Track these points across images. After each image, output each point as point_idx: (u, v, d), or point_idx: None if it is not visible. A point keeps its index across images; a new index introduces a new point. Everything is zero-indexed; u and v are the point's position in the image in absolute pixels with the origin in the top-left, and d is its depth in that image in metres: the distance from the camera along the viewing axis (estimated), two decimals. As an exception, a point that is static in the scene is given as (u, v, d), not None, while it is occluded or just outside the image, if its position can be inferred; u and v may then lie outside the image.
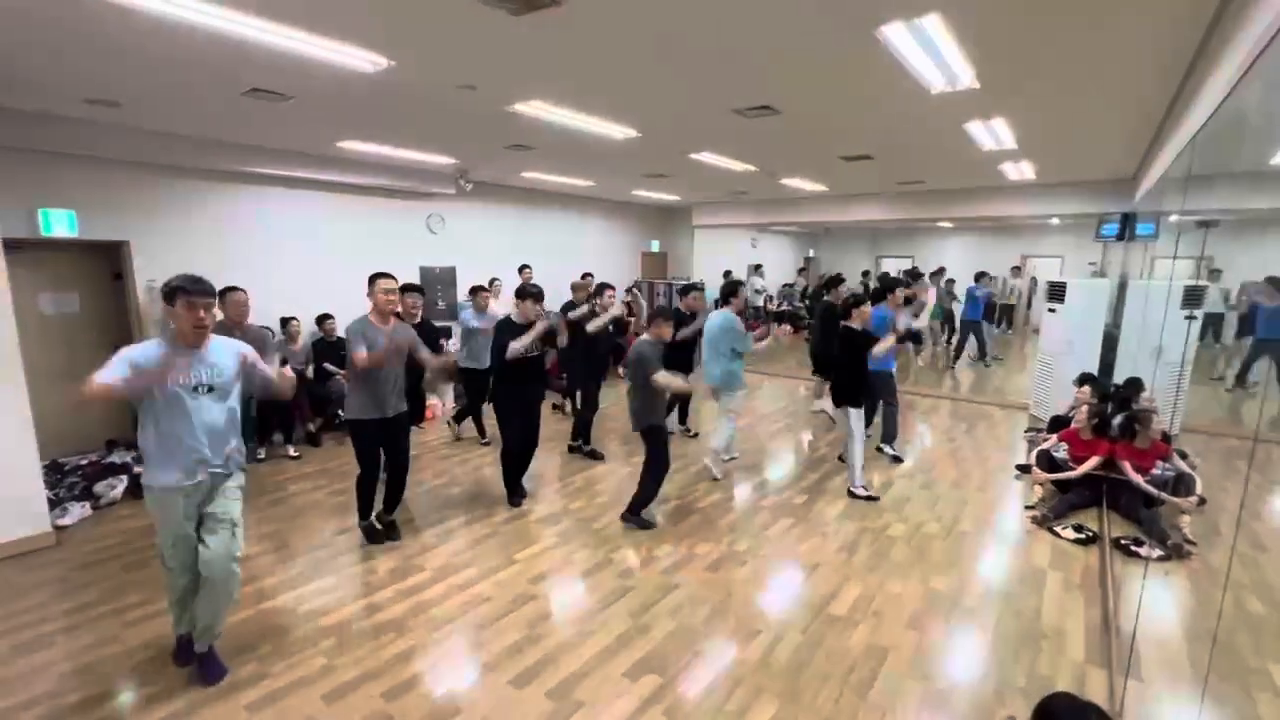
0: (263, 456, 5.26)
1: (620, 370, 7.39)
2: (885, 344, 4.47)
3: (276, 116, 4.45)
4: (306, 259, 6.42)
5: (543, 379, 4.49)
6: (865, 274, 8.62)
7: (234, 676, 2.54)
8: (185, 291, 2.35)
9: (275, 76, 3.53)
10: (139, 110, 4.36)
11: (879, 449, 5.39)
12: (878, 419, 5.42)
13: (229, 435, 2.54)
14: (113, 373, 2.21)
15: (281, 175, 6.00)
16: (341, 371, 6.02)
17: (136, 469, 4.50)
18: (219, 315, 3.34)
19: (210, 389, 2.45)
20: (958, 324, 9.87)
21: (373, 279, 3.51)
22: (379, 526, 3.82)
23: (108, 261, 5.34)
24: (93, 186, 4.97)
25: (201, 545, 2.46)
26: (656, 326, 3.99)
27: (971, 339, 9.47)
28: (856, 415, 4.49)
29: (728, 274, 11.16)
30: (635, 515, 3.99)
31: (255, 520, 3.99)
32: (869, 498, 4.46)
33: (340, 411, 6.02)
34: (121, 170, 5.10)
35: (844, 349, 4.53)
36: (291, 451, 5.38)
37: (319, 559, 3.56)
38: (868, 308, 4.57)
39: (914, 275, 9.55)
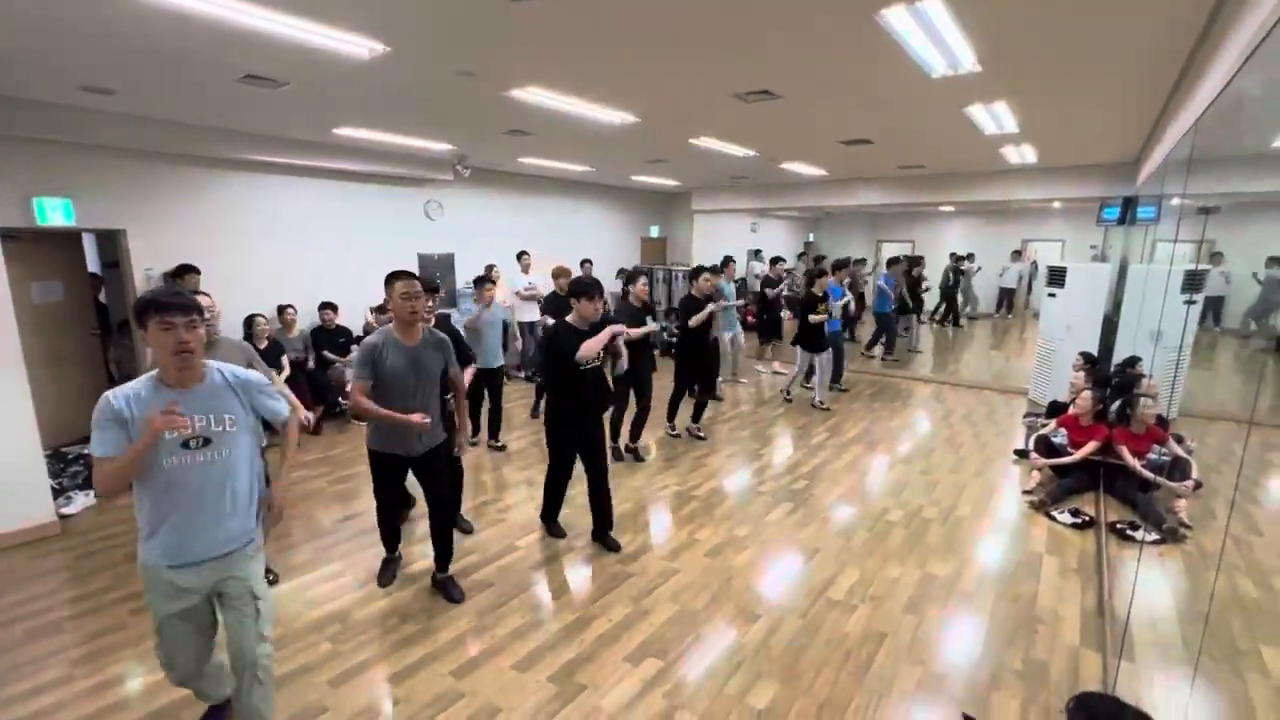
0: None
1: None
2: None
3: (272, 104, 4.40)
4: (304, 246, 6.39)
5: (606, 392, 3.67)
6: (775, 261, 9.29)
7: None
8: (158, 308, 1.72)
9: (270, 63, 3.49)
10: (134, 97, 4.31)
11: (831, 387, 7.02)
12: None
13: (246, 499, 1.96)
14: (104, 443, 1.71)
15: (278, 162, 5.95)
16: (340, 359, 6.03)
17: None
18: (208, 335, 2.56)
19: (206, 441, 1.81)
20: (872, 316, 9.36)
21: (390, 280, 2.76)
22: (397, 557, 3.24)
23: (89, 249, 5.34)
24: (88, 174, 4.93)
25: (223, 625, 2.00)
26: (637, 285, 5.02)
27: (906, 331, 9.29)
28: (803, 354, 6.51)
29: (728, 259, 11.11)
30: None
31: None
32: (787, 399, 6.78)
33: (341, 399, 6.05)
34: (117, 157, 5.06)
35: (804, 309, 6.35)
36: (293, 440, 5.38)
37: (322, 546, 3.59)
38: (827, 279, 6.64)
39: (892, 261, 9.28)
